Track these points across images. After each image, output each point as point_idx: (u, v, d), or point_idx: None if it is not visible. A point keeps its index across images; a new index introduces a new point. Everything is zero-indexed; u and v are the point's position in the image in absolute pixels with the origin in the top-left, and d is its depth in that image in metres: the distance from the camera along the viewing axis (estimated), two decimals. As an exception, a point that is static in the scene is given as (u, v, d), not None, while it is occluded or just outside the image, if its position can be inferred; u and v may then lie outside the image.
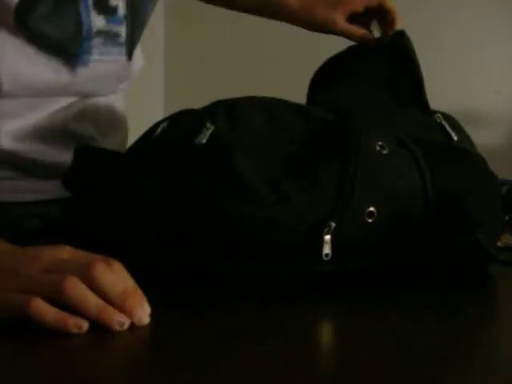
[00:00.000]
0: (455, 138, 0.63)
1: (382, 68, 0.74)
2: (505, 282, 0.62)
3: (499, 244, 0.62)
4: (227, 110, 0.57)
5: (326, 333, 0.46)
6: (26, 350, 0.38)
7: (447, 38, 1.68)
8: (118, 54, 0.73)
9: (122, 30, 0.71)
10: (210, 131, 0.54)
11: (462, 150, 0.61)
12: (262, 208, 0.50)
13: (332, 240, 0.51)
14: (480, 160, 0.61)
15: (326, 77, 0.76)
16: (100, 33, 0.69)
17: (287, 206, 0.50)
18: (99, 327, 0.40)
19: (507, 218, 0.77)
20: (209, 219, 0.51)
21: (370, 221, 0.52)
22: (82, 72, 0.69)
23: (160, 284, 0.55)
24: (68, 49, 0.67)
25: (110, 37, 0.70)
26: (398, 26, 0.79)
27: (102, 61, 0.71)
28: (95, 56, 0.69)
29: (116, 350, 0.40)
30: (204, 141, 0.53)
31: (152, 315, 0.43)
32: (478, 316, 0.49)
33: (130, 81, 0.81)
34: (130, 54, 0.74)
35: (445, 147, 0.60)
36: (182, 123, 0.58)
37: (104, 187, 0.58)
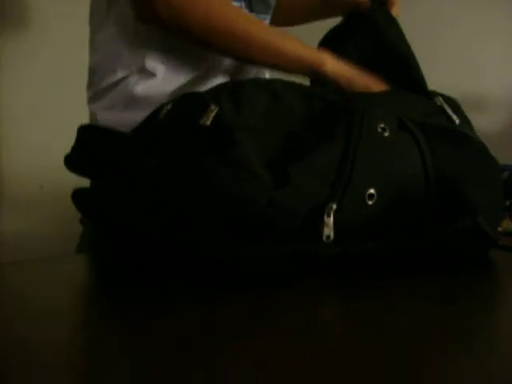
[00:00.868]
0: (457, 122, 0.62)
1: (369, 46, 0.76)
2: (505, 267, 0.62)
3: (500, 229, 0.62)
4: (231, 92, 0.56)
5: (324, 317, 0.45)
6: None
7: (449, 22, 1.67)
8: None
9: None
10: (213, 113, 0.53)
11: (463, 133, 0.61)
12: (263, 190, 0.50)
13: (333, 222, 0.50)
14: (481, 144, 0.61)
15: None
16: None
17: (288, 188, 0.50)
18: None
19: (508, 203, 0.77)
20: (209, 200, 0.50)
21: (370, 203, 0.52)
22: None
23: (157, 268, 0.55)
24: None
25: None
26: (404, 12, 0.84)
27: None
28: None
29: (109, 336, 0.40)
30: (208, 123, 0.53)
31: (148, 302, 0.43)
32: (478, 300, 0.49)
33: None
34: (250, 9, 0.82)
35: (446, 131, 0.60)
36: (186, 105, 0.58)
37: (105, 167, 0.58)
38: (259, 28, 0.73)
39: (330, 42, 0.81)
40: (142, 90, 0.76)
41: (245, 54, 0.72)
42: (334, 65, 0.73)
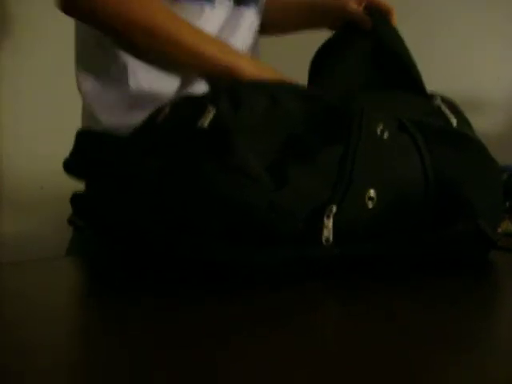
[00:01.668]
0: (455, 123, 0.62)
1: (367, 49, 0.77)
2: (505, 268, 0.62)
3: (499, 230, 0.62)
4: (229, 94, 0.56)
5: (324, 319, 0.45)
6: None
7: (448, 24, 1.67)
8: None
9: None
10: (211, 114, 0.53)
11: (462, 135, 0.61)
12: (262, 193, 0.49)
13: (333, 224, 0.50)
14: (480, 145, 0.61)
15: (323, 60, 0.78)
16: None
17: (287, 191, 0.50)
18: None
19: (507, 204, 0.77)
20: (208, 203, 0.50)
21: (370, 205, 0.52)
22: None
23: (159, 270, 0.55)
24: None
25: None
26: (402, 12, 0.85)
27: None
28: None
29: (115, 337, 0.40)
30: (206, 124, 0.53)
31: (150, 303, 0.43)
32: (478, 302, 0.48)
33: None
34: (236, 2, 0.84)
35: (445, 132, 0.60)
36: (183, 108, 0.58)
37: (104, 171, 0.58)
38: (179, 27, 0.73)
39: (327, 49, 0.81)
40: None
41: (163, 52, 0.74)
42: (251, 72, 0.73)
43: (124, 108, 0.77)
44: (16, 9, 1.51)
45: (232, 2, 0.83)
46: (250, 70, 0.73)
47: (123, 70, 0.77)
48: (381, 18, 0.81)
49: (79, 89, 0.82)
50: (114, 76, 0.78)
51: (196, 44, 0.72)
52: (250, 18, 0.86)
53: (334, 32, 0.85)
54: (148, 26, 0.71)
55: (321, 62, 0.78)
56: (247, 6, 0.85)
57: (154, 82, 0.78)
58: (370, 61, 0.76)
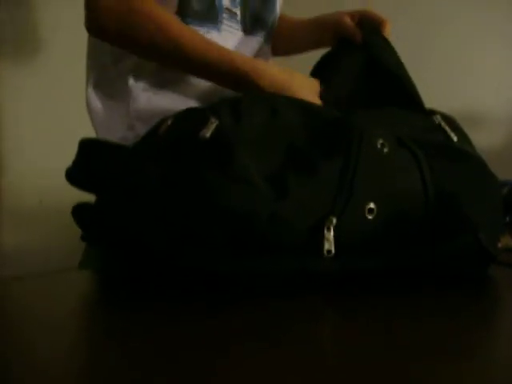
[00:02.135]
0: (455, 139, 0.63)
1: (363, 66, 0.78)
2: (505, 283, 0.62)
3: (499, 245, 0.62)
4: (232, 106, 0.57)
5: (324, 332, 0.45)
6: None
7: (446, 37, 1.68)
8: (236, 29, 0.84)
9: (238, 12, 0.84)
10: (214, 126, 0.54)
11: (462, 150, 0.61)
12: (262, 204, 0.50)
13: (333, 237, 0.50)
14: (480, 161, 0.61)
15: (321, 74, 0.80)
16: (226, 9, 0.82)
17: (288, 202, 0.50)
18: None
19: (508, 219, 0.77)
20: (210, 213, 0.50)
21: (370, 217, 0.52)
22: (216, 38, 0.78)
23: (161, 280, 0.55)
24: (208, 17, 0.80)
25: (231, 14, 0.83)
26: (399, 25, 0.85)
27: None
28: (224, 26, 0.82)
29: (116, 347, 0.39)
30: (208, 135, 0.53)
31: (151, 312, 0.42)
32: (478, 317, 0.48)
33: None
34: (245, 31, 0.85)
35: (445, 148, 0.60)
36: (186, 119, 0.58)
37: (106, 180, 0.58)
38: (198, 41, 0.73)
39: (323, 66, 0.82)
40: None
41: (186, 67, 0.75)
42: (271, 79, 0.72)
43: (123, 129, 0.78)
44: (18, 13, 1.52)
45: (240, 31, 0.84)
46: (271, 77, 0.72)
47: (127, 93, 0.78)
48: (372, 32, 0.81)
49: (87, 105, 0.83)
50: (118, 97, 0.79)
51: (214, 56, 0.73)
52: (257, 45, 0.87)
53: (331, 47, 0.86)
54: (173, 49, 0.72)
55: (318, 75, 0.79)
56: (254, 36, 0.86)
57: (156, 104, 0.78)
58: (365, 76, 0.76)
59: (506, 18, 1.65)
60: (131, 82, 0.78)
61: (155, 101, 0.78)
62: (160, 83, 0.79)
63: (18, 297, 0.55)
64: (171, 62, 0.75)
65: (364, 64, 0.78)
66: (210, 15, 0.80)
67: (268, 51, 0.92)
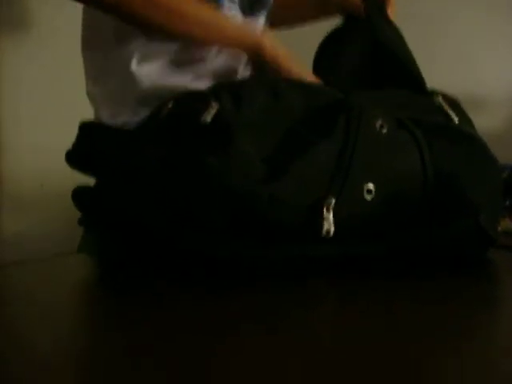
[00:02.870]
0: (456, 120, 0.62)
1: (367, 47, 0.77)
2: (505, 266, 0.62)
3: (499, 228, 0.62)
4: (232, 89, 0.57)
5: (324, 316, 0.45)
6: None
7: (450, 25, 1.68)
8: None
9: None
10: (214, 110, 0.54)
11: (462, 131, 0.61)
12: (262, 184, 0.50)
13: (333, 218, 0.50)
14: (481, 142, 0.61)
15: (325, 53, 0.80)
16: None
17: (286, 183, 0.50)
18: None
19: (507, 202, 0.77)
20: (211, 196, 0.51)
21: (368, 198, 0.52)
22: None
23: (159, 263, 0.55)
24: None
25: None
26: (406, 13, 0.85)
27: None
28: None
29: (115, 332, 0.40)
30: (209, 119, 0.53)
31: (149, 300, 0.43)
32: (477, 299, 0.49)
33: None
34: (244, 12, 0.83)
35: (445, 128, 0.60)
36: (187, 103, 0.58)
37: (107, 163, 0.58)
38: (198, 6, 0.72)
39: (328, 45, 0.81)
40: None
41: (184, 31, 0.72)
42: (272, 50, 0.73)
43: (128, 115, 0.77)
44: (17, 7, 1.51)
45: (240, 13, 0.83)
46: (272, 49, 0.73)
47: (130, 78, 0.77)
48: (375, 9, 0.80)
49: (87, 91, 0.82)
50: (120, 83, 0.78)
51: (220, 22, 0.72)
52: (259, 26, 0.87)
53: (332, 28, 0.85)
54: (167, 9, 0.70)
55: (323, 55, 0.79)
56: (254, 16, 0.86)
57: (161, 88, 0.78)
58: (368, 56, 0.76)
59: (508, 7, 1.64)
60: (134, 66, 0.78)
61: (159, 85, 0.78)
62: (164, 67, 0.78)
63: (17, 281, 0.55)
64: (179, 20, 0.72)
65: (368, 43, 0.77)
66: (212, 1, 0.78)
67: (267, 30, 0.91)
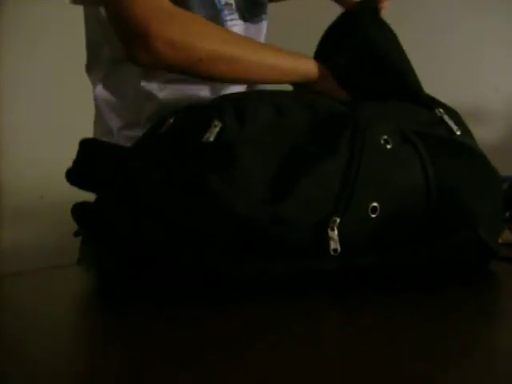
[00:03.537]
0: (457, 132, 0.62)
1: (366, 60, 0.75)
2: (506, 278, 0.62)
3: (500, 240, 0.62)
4: (234, 106, 0.56)
5: (326, 330, 0.45)
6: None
7: (448, 35, 1.68)
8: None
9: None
10: (217, 129, 0.53)
11: (463, 144, 0.61)
12: (265, 205, 0.49)
13: (338, 235, 0.50)
14: (481, 155, 0.61)
15: (325, 50, 0.80)
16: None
17: (291, 203, 0.50)
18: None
19: (508, 214, 0.77)
20: (212, 215, 0.50)
21: (373, 216, 0.52)
22: None
23: (160, 278, 0.55)
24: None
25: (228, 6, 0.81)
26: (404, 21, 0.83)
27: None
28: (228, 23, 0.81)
29: (110, 351, 0.39)
30: (211, 139, 0.53)
31: (149, 313, 0.42)
32: (478, 313, 0.48)
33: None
34: (243, 18, 0.84)
35: (447, 142, 0.60)
36: (189, 119, 0.58)
37: (107, 181, 0.58)
38: (259, 48, 0.73)
39: (327, 41, 0.80)
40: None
41: (245, 77, 0.73)
42: (320, 72, 0.75)
43: (135, 128, 0.77)
44: (17, 9, 1.52)
45: (240, 20, 0.82)
46: (320, 72, 0.75)
47: (139, 93, 0.77)
48: (365, 13, 0.78)
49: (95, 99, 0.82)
50: (129, 97, 0.78)
51: (273, 60, 0.72)
52: (262, 30, 0.87)
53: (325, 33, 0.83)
54: (231, 61, 0.69)
55: (322, 52, 0.79)
56: (255, 21, 0.85)
57: (168, 104, 0.77)
58: (369, 73, 0.75)
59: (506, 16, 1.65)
60: (143, 82, 0.77)
61: (167, 100, 0.77)
62: (172, 82, 0.78)
63: (16, 292, 0.54)
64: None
65: (368, 58, 0.75)
66: (214, 18, 0.77)
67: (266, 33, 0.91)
